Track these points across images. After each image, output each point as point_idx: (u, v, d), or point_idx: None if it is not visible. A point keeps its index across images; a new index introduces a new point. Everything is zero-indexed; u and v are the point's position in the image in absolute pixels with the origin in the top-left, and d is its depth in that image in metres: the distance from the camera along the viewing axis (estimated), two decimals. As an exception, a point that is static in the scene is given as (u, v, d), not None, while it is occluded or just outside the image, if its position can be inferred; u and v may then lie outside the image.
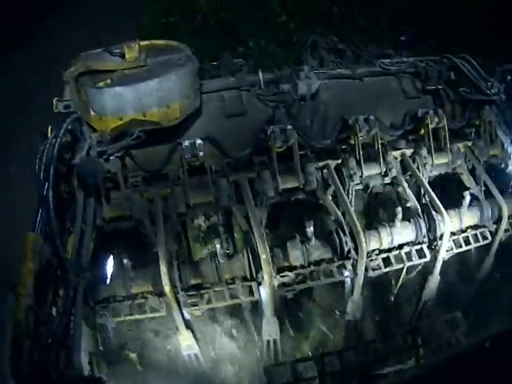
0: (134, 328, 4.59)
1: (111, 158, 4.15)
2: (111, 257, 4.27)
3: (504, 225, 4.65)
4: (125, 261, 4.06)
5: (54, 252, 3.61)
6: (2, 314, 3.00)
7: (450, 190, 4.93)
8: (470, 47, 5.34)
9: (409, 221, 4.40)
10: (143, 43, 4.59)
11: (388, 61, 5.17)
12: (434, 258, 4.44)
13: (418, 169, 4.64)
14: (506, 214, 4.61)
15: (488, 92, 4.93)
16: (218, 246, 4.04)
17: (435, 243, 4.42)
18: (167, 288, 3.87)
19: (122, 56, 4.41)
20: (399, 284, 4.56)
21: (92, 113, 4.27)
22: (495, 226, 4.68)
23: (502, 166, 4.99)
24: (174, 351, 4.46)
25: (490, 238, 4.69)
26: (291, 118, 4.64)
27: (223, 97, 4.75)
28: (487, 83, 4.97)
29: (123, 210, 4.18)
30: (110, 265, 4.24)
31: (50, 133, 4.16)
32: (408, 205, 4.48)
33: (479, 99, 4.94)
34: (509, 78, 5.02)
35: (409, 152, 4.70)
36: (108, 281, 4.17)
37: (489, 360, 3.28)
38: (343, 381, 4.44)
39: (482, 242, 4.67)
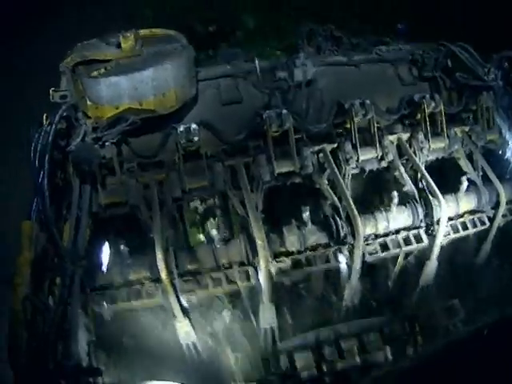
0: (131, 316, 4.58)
1: (106, 143, 4.16)
2: (107, 244, 4.28)
3: (502, 210, 4.64)
4: (121, 247, 4.07)
5: (49, 240, 3.62)
6: None
7: (447, 175, 4.90)
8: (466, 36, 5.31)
9: (405, 205, 4.39)
10: (139, 32, 4.62)
11: (384, 48, 5.18)
12: (432, 243, 4.42)
13: (415, 153, 4.62)
14: (503, 199, 4.59)
15: (485, 78, 4.92)
16: (214, 230, 4.04)
17: (432, 228, 4.40)
18: (163, 274, 3.87)
19: (118, 45, 4.44)
20: (396, 269, 4.54)
21: (88, 102, 4.28)
22: (493, 211, 4.66)
23: (500, 152, 4.98)
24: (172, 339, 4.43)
25: (487, 224, 4.66)
26: (287, 104, 4.63)
27: (219, 84, 4.76)
28: (484, 70, 4.96)
29: (119, 195, 4.18)
30: (106, 252, 4.25)
31: (45, 120, 4.18)
32: (405, 189, 4.46)
33: (476, 85, 4.93)
34: (506, 64, 5.00)
35: (405, 136, 4.69)
36: (105, 268, 4.18)
37: (487, 347, 3.27)
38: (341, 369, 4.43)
39: (479, 228, 4.64)
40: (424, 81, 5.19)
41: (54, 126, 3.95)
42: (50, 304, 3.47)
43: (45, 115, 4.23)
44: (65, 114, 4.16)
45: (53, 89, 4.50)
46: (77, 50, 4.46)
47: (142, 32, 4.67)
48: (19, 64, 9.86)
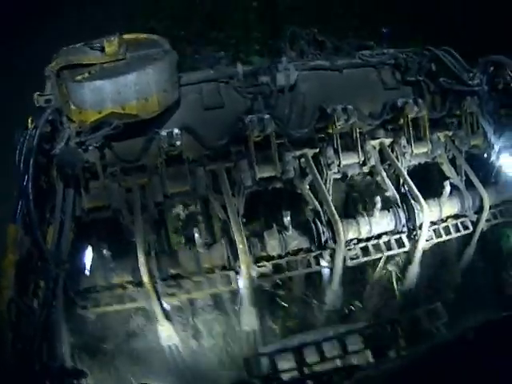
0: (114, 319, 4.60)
1: (90, 148, 4.18)
2: (90, 247, 4.31)
3: (485, 215, 4.65)
4: (104, 251, 4.10)
5: (33, 243, 3.64)
6: None
7: (430, 180, 4.92)
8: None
9: (388, 210, 4.40)
10: (124, 37, 4.64)
11: (368, 52, 5.18)
12: (414, 248, 4.44)
13: (397, 158, 4.63)
14: (487, 203, 4.60)
15: (470, 83, 4.92)
16: (196, 235, 4.06)
17: (414, 233, 4.42)
18: (145, 278, 3.90)
19: (102, 50, 4.46)
20: (378, 273, 4.55)
21: (72, 106, 4.31)
22: (476, 215, 4.67)
23: (485, 156, 4.99)
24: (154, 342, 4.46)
25: (471, 228, 4.68)
26: (269, 109, 4.64)
27: (201, 89, 4.78)
28: (469, 74, 4.97)
29: (102, 200, 4.21)
30: (89, 255, 4.27)
31: (30, 124, 4.20)
32: (387, 194, 4.47)
33: (461, 90, 4.94)
34: (491, 69, 5.00)
35: (388, 141, 4.71)
36: (88, 271, 4.20)
37: (470, 351, 3.28)
38: (322, 372, 4.43)
39: (463, 232, 4.66)
40: (407, 85, 5.20)
41: (38, 130, 3.97)
42: (35, 306, 3.50)
43: (30, 119, 4.25)
44: (50, 117, 4.18)
45: (37, 93, 4.52)
46: (62, 54, 4.48)
47: (126, 36, 4.69)
48: (19, 64, 9.87)
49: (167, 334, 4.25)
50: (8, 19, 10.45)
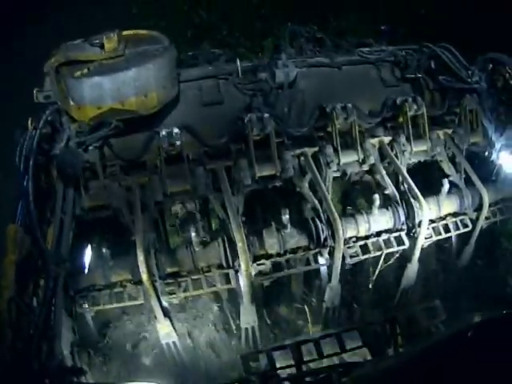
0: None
1: (90, 148, 4.19)
2: (90, 246, 4.32)
3: (485, 212, 4.65)
4: (104, 250, 4.11)
5: (33, 243, 3.64)
6: None
7: (430, 178, 4.92)
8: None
9: (387, 208, 4.41)
10: (123, 33, 4.61)
11: (367, 49, 5.16)
12: (413, 246, 4.45)
13: (397, 156, 4.63)
14: (486, 201, 4.60)
15: (469, 80, 4.91)
16: (193, 233, 4.06)
17: (414, 230, 4.43)
18: (145, 276, 3.90)
19: (102, 46, 4.43)
20: (377, 271, 4.57)
21: (71, 103, 4.28)
22: (476, 213, 4.68)
23: (486, 154, 4.98)
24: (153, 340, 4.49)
25: (470, 226, 4.69)
26: (269, 106, 4.63)
27: (201, 85, 4.75)
28: (468, 72, 4.95)
29: (102, 199, 4.22)
30: (89, 254, 4.28)
31: (29, 124, 4.19)
32: (386, 192, 4.48)
33: (460, 87, 4.92)
34: (490, 66, 4.98)
35: (387, 139, 4.70)
36: (87, 270, 4.22)
37: (469, 349, 3.29)
38: (320, 369, 4.45)
39: (462, 230, 4.67)
40: (407, 82, 5.18)
41: (38, 131, 3.96)
42: (34, 305, 3.51)
43: (30, 119, 4.24)
44: (49, 118, 4.17)
45: (36, 89, 4.50)
46: (61, 50, 4.45)
47: (125, 33, 4.66)
48: (19, 64, 9.81)
49: (166, 331, 4.26)
50: (8, 19, 10.37)
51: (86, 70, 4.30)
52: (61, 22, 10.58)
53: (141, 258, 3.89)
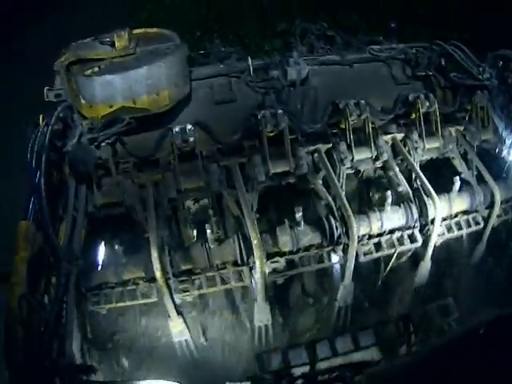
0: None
1: (102, 144, 4.16)
2: (103, 243, 4.29)
3: (497, 210, 4.64)
4: (116, 247, 4.08)
5: (46, 240, 3.61)
6: None
7: (442, 175, 4.90)
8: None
9: (399, 205, 4.39)
10: (133, 32, 4.62)
11: (378, 47, 5.17)
12: (426, 243, 4.43)
13: (409, 153, 4.62)
14: (498, 198, 4.59)
15: (480, 77, 4.91)
16: (208, 230, 4.04)
17: (426, 228, 4.41)
18: (158, 274, 3.88)
19: (112, 45, 4.44)
20: (388, 269, 4.55)
21: (82, 101, 4.28)
22: (487, 211, 4.66)
23: (497, 151, 4.98)
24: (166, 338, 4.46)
25: (482, 224, 4.67)
26: (281, 104, 4.62)
27: (212, 84, 4.75)
28: (479, 69, 4.95)
29: (115, 196, 4.19)
30: (101, 252, 4.26)
31: (41, 121, 4.18)
32: (399, 189, 4.46)
33: (471, 84, 4.92)
34: (500, 63, 4.99)
35: (400, 136, 4.70)
36: (100, 267, 4.19)
37: (482, 346, 3.28)
38: (333, 368, 4.44)
39: (474, 228, 4.65)
40: (418, 80, 5.18)
41: (50, 127, 3.94)
42: (46, 303, 3.48)
43: (41, 116, 4.22)
44: (61, 115, 4.15)
45: (47, 87, 4.49)
46: (71, 49, 4.45)
47: (136, 31, 4.67)
48: (19, 64, 9.81)
49: (179, 329, 4.24)
50: (8, 19, 10.38)
51: (96, 69, 4.32)
52: (61, 22, 10.60)
53: (155, 255, 3.87)
